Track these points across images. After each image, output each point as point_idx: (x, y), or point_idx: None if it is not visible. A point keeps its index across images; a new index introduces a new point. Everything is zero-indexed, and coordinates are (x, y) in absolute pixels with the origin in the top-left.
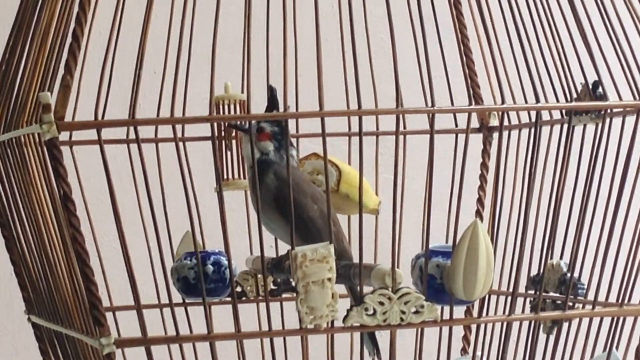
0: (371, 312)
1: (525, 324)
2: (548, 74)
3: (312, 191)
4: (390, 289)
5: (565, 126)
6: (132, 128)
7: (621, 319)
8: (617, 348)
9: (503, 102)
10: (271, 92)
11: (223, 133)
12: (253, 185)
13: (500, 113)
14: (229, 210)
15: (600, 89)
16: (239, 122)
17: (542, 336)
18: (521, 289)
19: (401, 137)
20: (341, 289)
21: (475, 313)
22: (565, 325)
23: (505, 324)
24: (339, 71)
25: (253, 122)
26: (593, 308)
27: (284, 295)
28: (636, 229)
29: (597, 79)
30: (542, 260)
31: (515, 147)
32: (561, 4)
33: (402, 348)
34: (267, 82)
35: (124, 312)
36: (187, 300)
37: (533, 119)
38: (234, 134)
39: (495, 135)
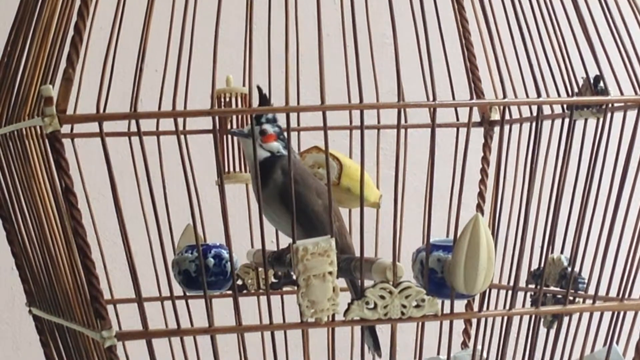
0: (372, 306)
1: (526, 318)
2: (549, 68)
3: (317, 185)
4: (391, 283)
5: (567, 120)
6: (133, 121)
7: (622, 313)
8: (617, 343)
9: (504, 97)
10: (260, 92)
11: (225, 126)
12: (257, 185)
13: (501, 107)
14: (230, 204)
15: (601, 84)
16: (237, 129)
17: (542, 330)
18: (522, 283)
19: (402, 131)
20: (342, 282)
21: (475, 307)
22: (566, 319)
23: (505, 318)
24: (341, 65)
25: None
26: (593, 302)
27: (284, 289)
28: (637, 223)
29: (598, 73)
30: (542, 255)
31: (517, 141)
32: None
33: (403, 342)
34: (268, 76)
35: (125, 305)
36: (188, 293)
37: (534, 114)
38: (235, 127)
39: (497, 129)
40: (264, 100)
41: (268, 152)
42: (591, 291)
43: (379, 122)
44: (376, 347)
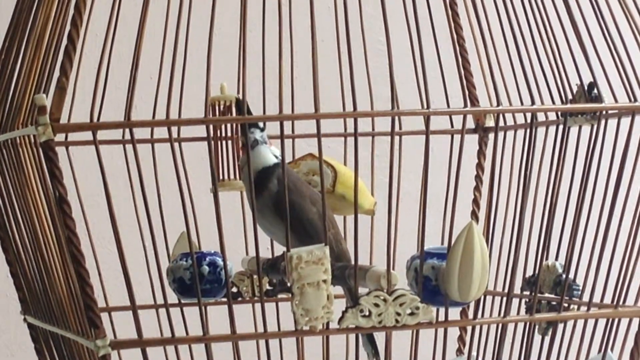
0: (366, 313)
1: (521, 325)
2: (543, 75)
3: (310, 193)
4: (385, 291)
5: (561, 127)
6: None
7: (616, 320)
8: (612, 349)
9: (498, 104)
10: (237, 103)
11: (219, 134)
12: (252, 192)
13: (495, 114)
14: (224, 211)
15: (595, 91)
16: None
17: (537, 337)
18: (516, 290)
19: (396, 138)
20: (336, 290)
21: (470, 314)
22: (561, 326)
23: (500, 325)
24: (335, 73)
25: (261, 134)
26: (588, 309)
27: (279, 296)
28: (631, 230)
29: (592, 80)
30: (537, 262)
31: (511, 148)
32: (556, 5)
33: (398, 350)
34: (262, 84)
35: (120, 313)
36: (182, 301)
37: (529, 121)
38: (228, 134)
39: (491, 136)
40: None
41: (274, 158)
42: (586, 298)
43: (373, 129)
44: (375, 353)
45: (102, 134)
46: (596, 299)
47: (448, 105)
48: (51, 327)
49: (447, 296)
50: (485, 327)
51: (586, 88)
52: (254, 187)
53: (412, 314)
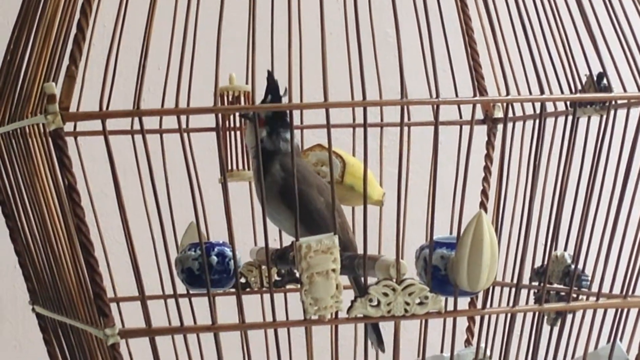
0: (375, 303)
1: (529, 315)
2: (552, 65)
3: (318, 183)
4: (394, 280)
5: (570, 118)
6: (136, 119)
7: (625, 310)
8: (621, 339)
9: (507, 94)
10: (270, 76)
11: (228, 124)
12: (258, 177)
13: (504, 104)
14: (233, 202)
15: (604, 81)
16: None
17: (546, 328)
18: (525, 280)
19: (405, 128)
20: (345, 280)
21: (479, 304)
22: (569, 316)
23: (509, 315)
24: (344, 63)
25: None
26: (597, 299)
27: (288, 287)
28: None
29: (601, 70)
30: (546, 252)
31: (520, 139)
32: None
33: (406, 340)
34: None
35: (128, 304)
36: (191, 292)
37: (537, 111)
38: (237, 124)
39: (500, 126)
40: (272, 84)
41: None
42: (594, 288)
43: (382, 119)
44: (379, 343)
45: (110, 125)
46: (605, 289)
47: (457, 97)
48: (60, 316)
49: (456, 286)
50: (493, 318)
51: (595, 78)
52: (256, 172)
53: (421, 303)
